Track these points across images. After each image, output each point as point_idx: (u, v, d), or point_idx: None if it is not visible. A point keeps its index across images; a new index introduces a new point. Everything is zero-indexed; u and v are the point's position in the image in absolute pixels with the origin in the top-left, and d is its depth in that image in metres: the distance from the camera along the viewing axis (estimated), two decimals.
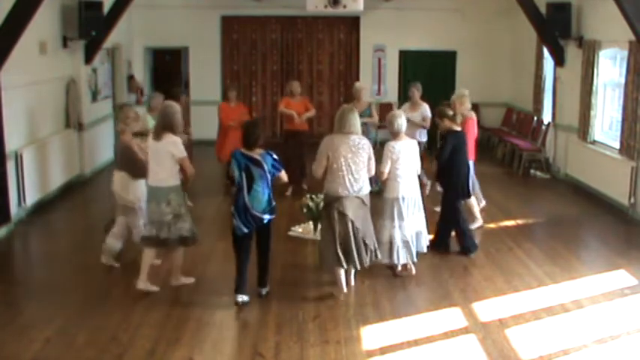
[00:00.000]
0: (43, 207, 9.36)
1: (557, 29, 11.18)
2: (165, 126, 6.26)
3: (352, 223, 6.23)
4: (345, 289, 6.38)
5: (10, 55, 7.92)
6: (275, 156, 6.12)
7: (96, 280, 6.86)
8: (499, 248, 7.81)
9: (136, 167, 6.81)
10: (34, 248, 8.24)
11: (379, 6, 14.20)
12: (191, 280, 6.69)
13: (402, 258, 6.80)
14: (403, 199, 6.75)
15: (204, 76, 14.59)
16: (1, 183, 8.19)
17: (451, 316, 6.00)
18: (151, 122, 7.96)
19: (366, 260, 6.39)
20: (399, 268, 6.92)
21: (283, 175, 6.25)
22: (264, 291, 6.36)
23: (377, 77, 14.96)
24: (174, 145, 6.24)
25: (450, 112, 7.60)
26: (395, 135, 6.77)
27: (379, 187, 8.07)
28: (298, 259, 7.48)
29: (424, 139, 10.05)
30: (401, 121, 6.75)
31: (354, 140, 6.23)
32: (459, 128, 7.63)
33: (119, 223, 7.11)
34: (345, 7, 12.18)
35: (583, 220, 9.25)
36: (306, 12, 13.01)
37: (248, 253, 6.23)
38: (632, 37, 8.82)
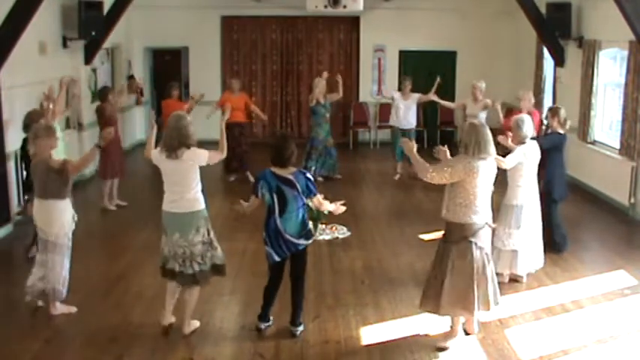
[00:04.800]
0: None
1: (557, 29, 11.19)
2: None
3: (487, 256, 5.44)
4: (460, 336, 5.54)
5: (10, 55, 7.93)
6: (309, 175, 5.49)
7: (96, 280, 6.86)
8: None
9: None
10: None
11: (379, 6, 14.20)
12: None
13: (504, 267, 6.67)
14: (523, 206, 6.65)
15: (204, 76, 14.58)
16: (1, 183, 8.20)
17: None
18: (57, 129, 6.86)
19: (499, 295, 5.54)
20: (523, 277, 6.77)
21: (317, 202, 5.58)
22: (297, 331, 5.64)
23: (377, 77, 14.95)
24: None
25: (563, 115, 7.35)
26: (523, 138, 6.59)
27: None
28: None
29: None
30: (529, 124, 6.56)
31: (491, 162, 5.64)
32: (562, 131, 7.39)
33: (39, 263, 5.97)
34: (345, 7, 12.21)
35: (583, 220, 9.24)
36: (306, 12, 13.05)
37: (280, 282, 5.65)
38: (632, 37, 8.82)
